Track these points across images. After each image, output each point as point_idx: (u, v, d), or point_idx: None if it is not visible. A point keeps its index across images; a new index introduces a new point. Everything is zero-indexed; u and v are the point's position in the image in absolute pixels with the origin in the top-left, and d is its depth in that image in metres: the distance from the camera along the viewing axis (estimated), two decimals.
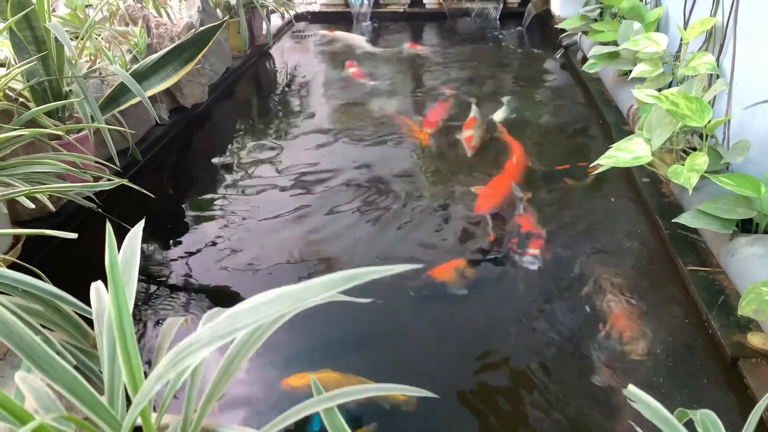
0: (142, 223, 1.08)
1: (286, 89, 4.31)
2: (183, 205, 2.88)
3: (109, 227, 0.89)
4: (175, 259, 2.45)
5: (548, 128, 3.49)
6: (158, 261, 2.44)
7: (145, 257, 2.46)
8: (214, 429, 0.89)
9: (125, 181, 1.91)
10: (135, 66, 2.70)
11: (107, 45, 3.21)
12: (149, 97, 2.62)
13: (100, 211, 2.29)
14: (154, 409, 0.89)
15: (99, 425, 0.78)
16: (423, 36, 5.77)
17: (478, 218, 2.59)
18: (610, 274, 2.20)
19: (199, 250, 2.49)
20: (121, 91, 2.65)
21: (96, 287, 0.97)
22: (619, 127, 3.21)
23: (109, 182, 1.79)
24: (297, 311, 0.68)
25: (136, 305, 2.20)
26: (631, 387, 1.02)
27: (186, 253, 2.48)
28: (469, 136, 3.25)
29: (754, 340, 1.78)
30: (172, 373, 0.65)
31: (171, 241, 2.58)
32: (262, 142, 3.43)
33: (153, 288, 2.24)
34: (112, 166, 2.54)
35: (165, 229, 2.67)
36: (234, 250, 2.46)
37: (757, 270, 1.86)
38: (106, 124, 2.56)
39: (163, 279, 2.32)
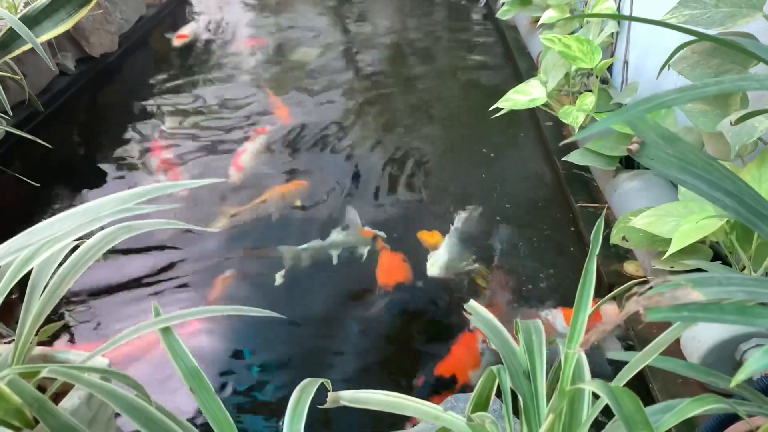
0: None
1: (206, 38, 4.18)
2: (91, 159, 2.81)
3: None
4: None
5: (462, 76, 3.54)
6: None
7: (49, 209, 2.41)
8: (53, 355, 0.90)
9: (3, 126, 1.84)
10: (25, 9, 2.56)
11: None
12: (48, 45, 2.51)
13: None
14: None
15: None
16: None
17: None
18: (507, 212, 2.30)
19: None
20: (11, 37, 2.51)
21: None
22: (530, 73, 3.26)
23: None
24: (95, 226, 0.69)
25: None
26: (471, 302, 1.09)
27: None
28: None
29: (629, 268, 1.91)
30: None
31: (78, 197, 2.53)
32: (178, 93, 3.34)
33: None
34: (6, 116, 2.43)
35: (71, 184, 2.60)
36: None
37: (635, 202, 1.97)
38: None
39: None
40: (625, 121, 0.71)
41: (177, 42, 4.07)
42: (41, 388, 0.88)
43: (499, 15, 3.42)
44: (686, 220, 1.46)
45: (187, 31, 4.24)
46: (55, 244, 0.68)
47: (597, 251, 0.92)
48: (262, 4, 4.79)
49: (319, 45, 3.94)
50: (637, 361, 0.82)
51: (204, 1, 4.88)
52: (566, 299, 1.90)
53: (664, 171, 0.91)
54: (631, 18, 0.84)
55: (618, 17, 1.30)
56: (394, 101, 3.24)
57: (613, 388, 0.74)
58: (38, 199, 2.44)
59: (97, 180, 2.63)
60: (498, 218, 2.27)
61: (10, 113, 2.47)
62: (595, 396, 0.89)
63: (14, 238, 0.68)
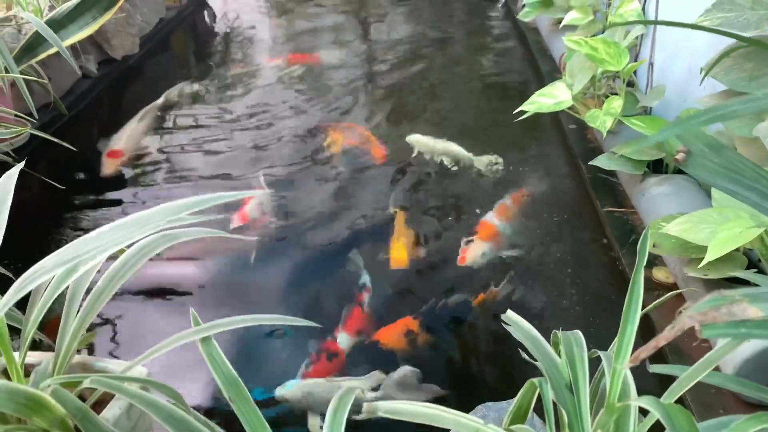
0: (20, 165, 1.06)
1: (226, 41, 4.19)
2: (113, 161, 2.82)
3: None
4: (104, 213, 2.42)
5: (484, 77, 3.51)
6: (84, 216, 2.40)
7: (73, 211, 2.43)
8: (92, 364, 0.90)
9: (29, 129, 1.85)
10: (51, 13, 2.58)
11: None
12: (71, 48, 2.52)
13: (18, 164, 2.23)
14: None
15: None
16: None
17: None
18: (533, 218, 2.28)
19: (129, 204, 2.46)
20: (37, 41, 2.52)
21: None
22: (552, 75, 3.24)
23: (9, 131, 1.73)
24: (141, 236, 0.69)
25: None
26: (509, 312, 1.08)
27: (114, 206, 2.45)
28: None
29: (658, 274, 1.87)
30: (14, 299, 0.66)
31: (100, 197, 2.54)
32: (199, 96, 3.35)
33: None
34: (32, 119, 2.45)
35: (94, 186, 2.62)
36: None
37: (664, 207, 1.94)
38: (25, 76, 2.46)
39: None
40: (683, 132, 0.69)
41: (106, 167, 2.72)
42: (81, 397, 0.87)
43: (520, 16, 3.39)
44: (722, 227, 1.44)
45: (121, 144, 2.85)
46: (101, 254, 0.68)
47: (644, 263, 0.90)
48: (275, 8, 4.79)
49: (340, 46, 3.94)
50: (688, 377, 0.80)
51: (225, 3, 4.90)
52: (594, 304, 1.88)
53: (711, 181, 0.89)
54: (665, 23, 0.82)
55: (651, 23, 1.27)
56: (413, 108, 3.23)
57: (666, 405, 0.72)
58: (62, 200, 2.46)
59: (118, 182, 2.64)
60: (523, 220, 2.25)
61: (36, 116, 2.49)
62: (642, 412, 0.87)
63: (63, 248, 0.68)
